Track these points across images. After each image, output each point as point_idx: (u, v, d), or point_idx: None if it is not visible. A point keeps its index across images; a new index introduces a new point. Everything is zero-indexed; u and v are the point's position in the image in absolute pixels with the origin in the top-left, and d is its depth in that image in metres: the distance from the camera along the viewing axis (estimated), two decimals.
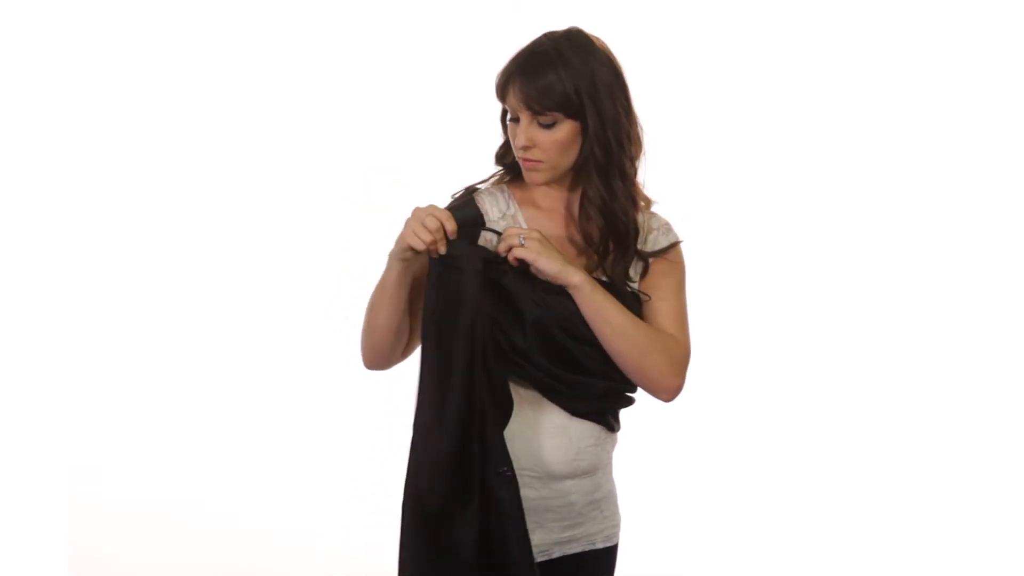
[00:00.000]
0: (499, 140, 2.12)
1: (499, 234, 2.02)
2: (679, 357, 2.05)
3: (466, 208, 2.06)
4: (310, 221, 4.02)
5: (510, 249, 1.96)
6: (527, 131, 1.98)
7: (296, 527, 3.91)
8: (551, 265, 1.95)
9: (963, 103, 3.96)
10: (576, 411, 2.04)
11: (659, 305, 2.07)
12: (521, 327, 1.97)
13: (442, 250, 1.91)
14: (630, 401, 2.12)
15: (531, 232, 1.96)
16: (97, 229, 4.06)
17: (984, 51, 3.94)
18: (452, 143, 3.59)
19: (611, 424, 2.10)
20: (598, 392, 2.04)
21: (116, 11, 4.02)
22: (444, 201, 2.08)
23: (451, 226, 1.91)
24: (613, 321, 1.98)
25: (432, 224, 1.89)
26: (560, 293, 1.98)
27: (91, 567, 3.86)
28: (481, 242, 2.03)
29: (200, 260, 4.08)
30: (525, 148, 1.99)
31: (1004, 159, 3.97)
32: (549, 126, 1.98)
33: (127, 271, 4.07)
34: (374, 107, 4.03)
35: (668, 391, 2.05)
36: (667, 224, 2.13)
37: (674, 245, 2.11)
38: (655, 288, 2.07)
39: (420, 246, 1.89)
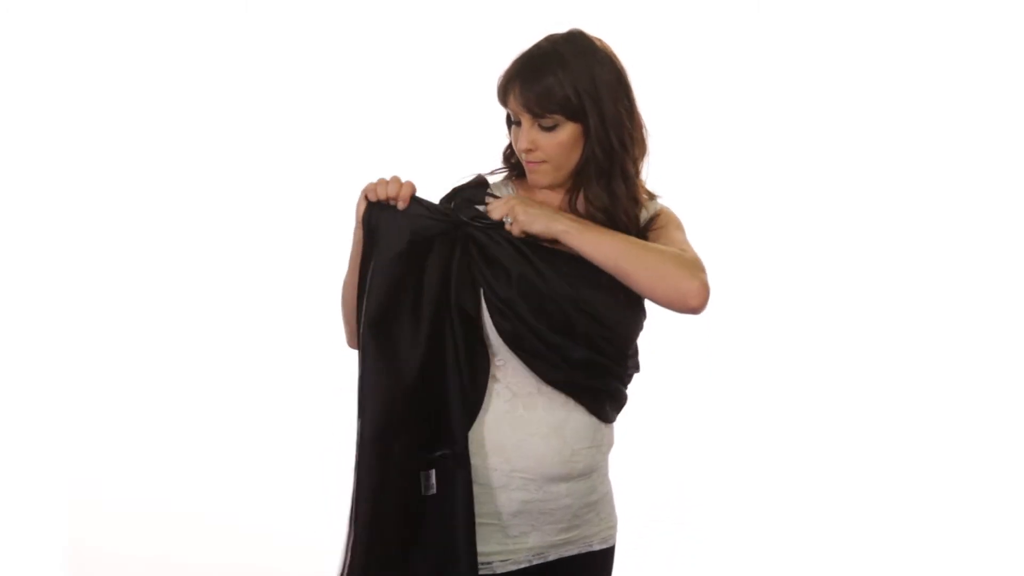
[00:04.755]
0: (500, 140, 2.13)
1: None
2: (690, 260, 1.96)
3: (474, 181, 2.10)
4: (310, 221, 4.02)
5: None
6: (528, 134, 1.98)
7: (296, 527, 3.91)
8: (535, 225, 1.94)
9: (963, 105, 3.95)
10: (550, 379, 1.99)
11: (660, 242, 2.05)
12: (507, 279, 1.95)
13: (401, 206, 1.96)
14: (620, 389, 2.08)
15: (507, 202, 1.97)
16: (97, 231, 4.05)
17: (987, 54, 3.94)
18: (452, 145, 3.57)
19: (599, 410, 2.04)
20: (576, 358, 1.98)
21: (116, 12, 4.01)
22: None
23: (406, 192, 1.96)
24: (612, 249, 1.93)
25: (394, 187, 1.95)
26: (544, 254, 1.98)
27: (91, 567, 3.86)
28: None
29: (199, 261, 4.07)
30: (527, 151, 2.00)
31: (1006, 162, 3.97)
32: (550, 128, 1.97)
33: (127, 272, 4.06)
34: (374, 108, 4.02)
35: (692, 295, 1.92)
36: (655, 203, 2.12)
37: (657, 215, 2.10)
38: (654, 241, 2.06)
39: (373, 196, 1.96)
